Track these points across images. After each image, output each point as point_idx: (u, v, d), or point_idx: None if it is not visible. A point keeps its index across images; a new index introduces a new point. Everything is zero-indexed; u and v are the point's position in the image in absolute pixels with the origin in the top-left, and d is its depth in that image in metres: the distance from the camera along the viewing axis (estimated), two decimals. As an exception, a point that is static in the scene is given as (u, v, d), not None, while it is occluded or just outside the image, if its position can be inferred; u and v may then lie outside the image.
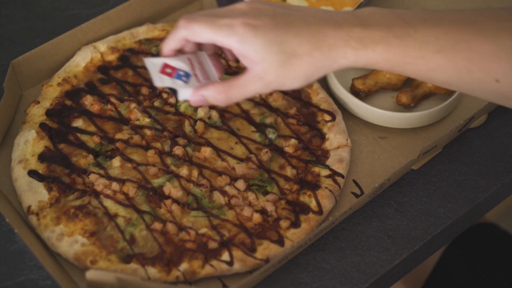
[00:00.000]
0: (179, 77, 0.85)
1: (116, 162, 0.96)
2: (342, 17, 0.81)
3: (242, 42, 0.79)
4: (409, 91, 1.02)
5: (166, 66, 0.85)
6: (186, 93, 0.84)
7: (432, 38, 0.79)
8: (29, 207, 0.91)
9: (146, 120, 1.00)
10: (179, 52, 0.86)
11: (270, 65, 0.80)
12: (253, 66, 0.80)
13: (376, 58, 0.80)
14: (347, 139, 0.99)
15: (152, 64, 0.85)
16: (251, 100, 1.03)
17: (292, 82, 0.81)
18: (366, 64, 0.80)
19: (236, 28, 0.79)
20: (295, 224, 0.91)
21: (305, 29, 0.80)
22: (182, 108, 1.02)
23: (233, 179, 0.95)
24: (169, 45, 0.84)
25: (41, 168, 0.95)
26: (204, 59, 0.87)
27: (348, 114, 1.04)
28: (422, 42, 0.79)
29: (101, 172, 0.95)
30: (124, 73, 1.05)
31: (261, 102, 1.03)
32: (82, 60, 1.05)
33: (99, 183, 0.93)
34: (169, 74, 0.85)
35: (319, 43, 0.79)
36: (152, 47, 1.08)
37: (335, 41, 0.79)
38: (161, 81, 0.84)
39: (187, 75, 0.85)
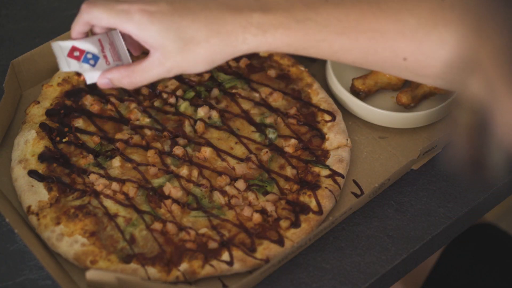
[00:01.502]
0: (86, 60, 0.85)
1: (116, 162, 0.96)
2: (244, 2, 0.80)
3: (139, 29, 0.80)
4: (409, 91, 1.03)
5: (74, 49, 0.85)
6: (93, 77, 0.86)
7: (333, 20, 0.79)
8: (29, 207, 0.91)
9: (146, 120, 1.00)
10: (90, 33, 0.87)
11: (169, 51, 0.80)
12: (153, 52, 0.81)
13: (277, 43, 0.80)
14: (347, 139, 0.99)
15: (60, 48, 0.86)
16: (251, 100, 1.03)
17: (194, 67, 0.82)
18: (269, 48, 0.81)
19: (132, 15, 0.80)
20: (295, 224, 0.91)
21: (203, 14, 0.80)
22: (182, 108, 1.02)
23: (233, 179, 0.95)
24: (75, 29, 0.85)
25: (41, 168, 0.95)
26: (117, 38, 0.88)
27: (348, 114, 1.04)
28: (323, 25, 0.79)
29: (101, 172, 0.95)
30: (124, 73, 1.05)
31: (261, 102, 1.03)
32: (82, 60, 1.05)
33: (99, 183, 0.93)
34: (76, 58, 0.85)
35: (217, 29, 0.80)
36: (152, 47, 1.08)
37: (234, 27, 0.80)
38: (67, 65, 0.85)
39: (95, 57, 0.86)
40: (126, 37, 0.88)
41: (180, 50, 0.80)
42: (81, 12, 0.83)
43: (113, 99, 1.02)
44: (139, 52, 0.90)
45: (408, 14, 0.77)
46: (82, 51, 0.85)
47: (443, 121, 1.03)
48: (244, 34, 0.80)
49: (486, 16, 0.55)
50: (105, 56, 0.86)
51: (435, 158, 1.00)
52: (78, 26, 0.85)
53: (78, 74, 1.04)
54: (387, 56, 0.80)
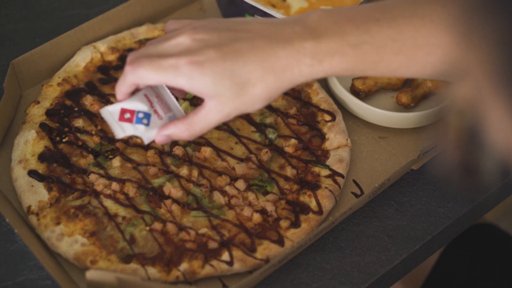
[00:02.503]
0: (139, 121, 0.83)
1: (116, 162, 0.96)
2: (291, 31, 0.78)
3: (191, 82, 0.78)
4: (409, 91, 1.03)
5: (124, 111, 0.83)
6: (149, 136, 0.84)
7: (388, 40, 0.77)
8: (29, 207, 0.91)
9: (146, 120, 1.00)
10: (134, 91, 0.84)
11: (225, 98, 0.78)
12: (209, 100, 0.79)
13: (333, 70, 0.78)
14: (347, 139, 0.99)
15: (109, 113, 0.84)
16: (251, 100, 1.03)
17: (252, 106, 0.80)
18: (325, 75, 0.79)
19: (181, 69, 0.77)
20: (295, 224, 0.91)
21: (254, 54, 0.77)
22: (182, 108, 1.02)
23: (233, 179, 0.95)
24: (121, 90, 0.83)
25: (41, 168, 0.95)
26: (162, 89, 0.85)
27: (348, 114, 1.04)
28: (379, 46, 0.77)
29: (101, 172, 0.95)
30: (124, 73, 1.05)
31: (261, 102, 1.03)
32: (82, 60, 1.05)
33: (99, 183, 0.93)
34: (128, 120, 0.83)
35: (271, 67, 0.77)
36: (152, 47, 1.08)
37: (288, 62, 0.77)
38: (122, 131, 0.83)
39: (147, 115, 0.84)
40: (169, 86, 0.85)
41: (237, 94, 0.78)
42: (126, 73, 0.80)
43: (113, 99, 1.02)
44: (184, 95, 0.87)
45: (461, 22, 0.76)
46: (132, 112, 0.83)
47: (437, 124, 1.03)
48: (299, 66, 0.77)
49: (475, 26, 0.55)
50: (155, 111, 0.84)
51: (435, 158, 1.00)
52: (124, 88, 0.82)
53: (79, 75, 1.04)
54: (445, 69, 0.77)
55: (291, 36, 0.78)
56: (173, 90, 0.86)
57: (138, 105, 0.84)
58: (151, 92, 0.85)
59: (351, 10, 0.79)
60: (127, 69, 0.80)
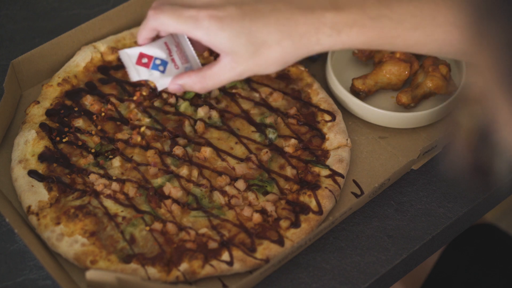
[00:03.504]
0: (155, 67, 0.85)
1: (116, 162, 0.96)
2: (314, 0, 0.79)
3: (208, 35, 0.78)
4: (409, 91, 1.02)
5: (142, 55, 0.85)
6: (163, 83, 0.85)
7: (408, 16, 0.77)
8: (29, 207, 0.91)
9: (146, 120, 1.00)
10: (155, 37, 0.86)
11: (240, 56, 0.79)
12: (224, 56, 0.80)
13: (351, 42, 0.79)
14: (347, 139, 0.99)
15: (128, 56, 0.85)
16: (251, 100, 1.03)
17: (265, 69, 0.81)
18: (342, 47, 0.80)
19: (201, 21, 0.78)
20: (295, 224, 0.91)
21: (274, 17, 0.78)
22: (182, 108, 1.02)
23: (233, 179, 0.95)
24: (142, 35, 0.84)
25: (41, 168, 0.95)
26: (183, 39, 0.86)
27: (348, 114, 1.04)
28: (398, 21, 0.77)
29: (101, 172, 0.95)
30: (124, 73, 1.05)
31: (261, 102, 1.03)
32: (82, 60, 1.05)
33: (99, 183, 0.93)
34: (145, 65, 0.85)
35: (289, 32, 0.78)
36: (152, 47, 1.08)
37: (307, 29, 0.78)
38: (137, 74, 0.84)
39: (164, 62, 0.85)
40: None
41: (252, 54, 0.79)
42: (148, 18, 0.82)
43: (113, 99, 1.02)
44: (204, 51, 0.88)
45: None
46: (150, 57, 0.84)
47: (443, 121, 1.03)
48: (317, 35, 0.78)
49: (484, 25, 0.55)
50: (173, 60, 0.85)
51: (435, 158, 1.00)
52: (145, 32, 0.83)
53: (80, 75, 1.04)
54: (463, 48, 0.77)
55: (312, 4, 0.78)
56: (193, 44, 0.86)
57: (156, 51, 0.85)
58: (171, 41, 0.86)
59: None
60: (150, 13, 0.82)
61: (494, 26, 0.54)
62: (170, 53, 0.85)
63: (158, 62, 0.85)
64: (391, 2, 0.78)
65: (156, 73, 0.84)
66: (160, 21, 0.81)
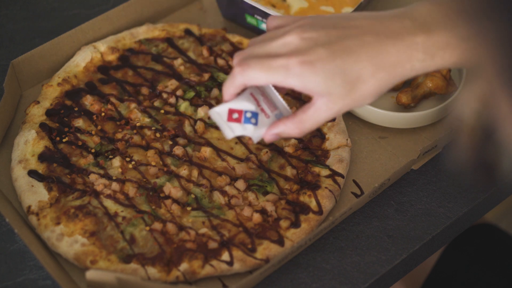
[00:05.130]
0: (247, 120, 0.83)
1: (116, 162, 0.96)
2: (400, 25, 0.77)
3: (302, 81, 0.77)
4: (409, 91, 1.03)
5: (231, 111, 0.83)
6: (258, 135, 0.84)
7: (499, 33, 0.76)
8: (29, 207, 0.91)
9: (146, 120, 1.00)
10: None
11: (336, 96, 0.78)
12: (318, 98, 0.79)
13: (445, 64, 0.77)
14: (347, 139, 0.99)
15: (218, 115, 0.84)
16: (251, 100, 1.03)
17: (362, 102, 0.79)
18: (436, 69, 0.78)
19: (292, 69, 0.77)
20: (295, 224, 0.91)
21: (364, 51, 0.77)
22: (182, 108, 1.02)
23: (233, 179, 0.95)
24: (229, 91, 0.82)
25: (41, 168, 0.95)
26: (267, 87, 0.85)
27: (348, 114, 1.04)
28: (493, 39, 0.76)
29: (101, 172, 0.95)
30: (124, 73, 1.05)
31: (261, 102, 1.03)
32: (82, 60, 1.05)
33: (99, 183, 0.93)
34: (237, 120, 0.83)
35: (382, 64, 0.77)
36: (152, 47, 1.08)
37: (399, 58, 0.76)
38: (231, 131, 0.83)
39: (254, 114, 0.84)
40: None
41: (348, 92, 0.77)
42: (235, 75, 0.80)
43: (113, 99, 1.02)
44: (286, 92, 0.86)
45: None
46: (240, 112, 0.83)
47: (443, 121, 1.03)
48: (411, 62, 0.76)
49: (486, 24, 0.55)
50: (262, 110, 0.84)
51: (435, 158, 1.00)
52: (233, 89, 0.81)
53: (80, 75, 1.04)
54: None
55: (400, 31, 0.77)
56: (276, 88, 0.85)
57: (245, 104, 0.84)
58: (256, 91, 0.85)
59: (459, 1, 0.77)
60: (237, 70, 0.80)
61: (492, 23, 0.54)
62: (258, 104, 0.84)
63: (248, 115, 0.83)
64: (482, 21, 0.77)
65: (249, 127, 0.83)
66: (249, 77, 0.79)
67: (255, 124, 0.84)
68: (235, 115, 0.83)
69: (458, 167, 0.64)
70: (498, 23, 0.54)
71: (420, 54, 0.76)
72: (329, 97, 0.78)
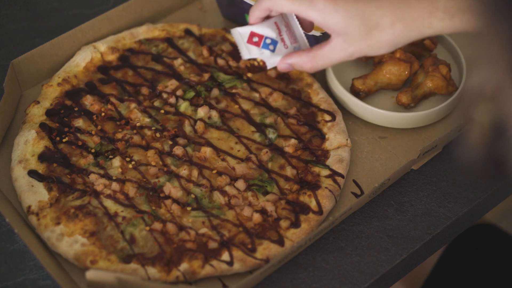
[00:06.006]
0: (265, 46, 0.87)
1: (116, 162, 0.96)
2: None
3: (323, 16, 0.81)
4: (409, 91, 1.03)
5: (253, 34, 0.88)
6: (273, 62, 0.88)
7: None
8: (29, 207, 0.91)
9: (146, 120, 1.00)
10: (265, 18, 0.88)
11: (352, 37, 0.81)
12: (335, 37, 0.82)
13: (463, 27, 0.79)
14: (347, 139, 0.99)
15: (239, 34, 0.88)
16: (251, 100, 1.03)
17: (376, 51, 0.82)
18: (453, 31, 0.80)
19: (316, 2, 0.80)
20: (295, 224, 0.91)
21: (387, 0, 0.80)
22: (182, 108, 1.02)
23: (233, 179, 0.95)
24: (254, 14, 0.86)
25: (41, 168, 0.95)
26: (292, 19, 0.89)
27: (348, 114, 1.04)
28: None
29: (101, 172, 0.95)
30: (124, 73, 1.05)
31: (261, 102, 1.03)
32: (82, 60, 1.05)
33: (99, 183, 0.93)
34: (256, 43, 0.87)
35: (402, 15, 0.79)
36: (152, 47, 1.08)
37: (419, 12, 0.79)
38: (248, 52, 0.87)
39: (274, 42, 0.87)
40: (298, 17, 0.88)
41: (364, 36, 0.80)
42: None
43: (113, 99, 1.02)
44: (311, 30, 0.90)
45: None
46: (260, 36, 0.87)
47: (443, 121, 1.03)
48: (430, 19, 0.79)
49: (495, 15, 0.55)
50: (282, 39, 0.88)
51: (435, 158, 1.00)
52: (258, 12, 0.86)
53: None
54: None
55: None
56: (301, 23, 0.88)
57: (267, 31, 0.88)
58: (281, 21, 0.88)
59: None
60: None
61: (503, 19, 0.54)
62: (279, 33, 0.88)
63: (268, 41, 0.88)
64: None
65: (266, 52, 0.87)
66: (274, 2, 0.83)
67: (273, 51, 0.88)
68: (255, 39, 0.87)
69: (468, 161, 0.65)
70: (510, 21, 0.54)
71: (440, 12, 0.78)
72: (346, 37, 0.81)
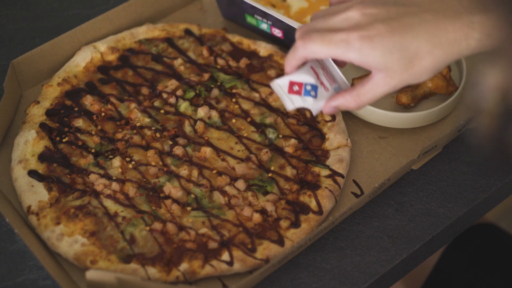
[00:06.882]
0: (307, 93, 0.86)
1: (116, 162, 0.96)
2: (459, 4, 0.79)
3: (361, 56, 0.80)
4: (409, 91, 1.03)
5: (292, 84, 0.86)
6: (317, 108, 0.87)
7: None
8: (29, 207, 0.91)
9: (146, 120, 1.00)
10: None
11: (394, 71, 0.80)
12: (376, 73, 0.81)
13: (501, 42, 0.78)
14: (347, 139, 0.99)
15: (279, 87, 0.87)
16: (251, 100, 1.03)
17: (419, 79, 0.82)
18: (492, 48, 0.80)
19: (352, 43, 0.80)
20: (295, 224, 0.91)
21: (423, 28, 0.79)
22: (182, 108, 1.02)
23: (233, 179, 0.95)
24: (291, 64, 0.85)
25: (41, 168, 0.95)
26: (327, 61, 0.88)
27: (348, 114, 1.04)
28: None
29: (101, 172, 0.95)
30: (124, 73, 1.05)
31: (261, 102, 1.03)
32: (82, 60, 1.05)
33: (99, 183, 0.93)
34: (297, 92, 0.86)
35: (439, 41, 0.79)
36: (152, 47, 1.08)
37: (456, 36, 0.79)
38: (291, 103, 0.86)
39: (314, 87, 0.87)
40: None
41: (405, 67, 0.80)
42: (297, 48, 0.83)
43: (113, 99, 1.02)
44: (344, 65, 0.89)
45: None
46: (300, 84, 0.86)
47: (443, 121, 1.03)
48: (467, 40, 0.79)
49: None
50: (322, 83, 0.87)
51: (435, 158, 1.00)
52: (294, 62, 0.85)
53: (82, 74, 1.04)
54: None
55: (459, 10, 0.79)
56: (335, 62, 0.88)
57: (305, 77, 0.87)
58: (316, 64, 0.88)
59: None
60: (299, 43, 0.83)
61: None
62: (318, 77, 0.87)
63: (308, 88, 0.87)
64: None
65: (309, 99, 0.86)
66: (310, 50, 0.82)
67: (315, 96, 0.87)
68: (296, 88, 0.87)
69: (480, 152, 0.65)
70: None
71: (477, 33, 0.78)
72: (387, 72, 0.81)
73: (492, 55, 0.64)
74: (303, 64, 0.87)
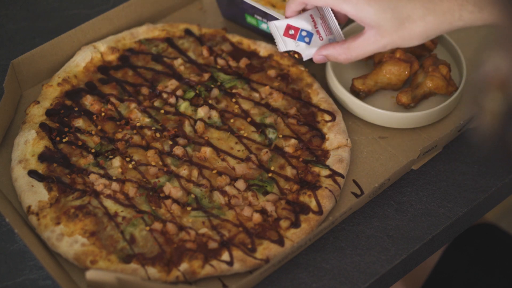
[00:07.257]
0: (301, 38, 0.90)
1: (116, 162, 0.96)
2: None
3: (356, 9, 0.84)
4: (409, 91, 1.03)
5: (289, 27, 0.91)
6: (309, 54, 0.91)
7: None
8: (29, 207, 0.91)
9: (146, 120, 1.00)
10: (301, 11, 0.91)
11: (385, 30, 0.84)
12: (368, 29, 0.85)
13: (492, 19, 0.81)
14: (347, 139, 0.99)
15: (276, 28, 0.91)
16: (251, 100, 1.03)
17: (408, 42, 0.85)
18: (483, 24, 0.82)
19: None
20: (295, 224, 0.91)
21: None
22: (182, 108, 1.02)
23: (233, 179, 0.95)
24: (290, 8, 0.90)
25: (41, 168, 0.95)
26: (327, 12, 0.91)
27: (348, 114, 1.04)
28: None
29: (101, 172, 0.95)
30: (124, 73, 1.05)
31: (261, 102, 1.03)
32: (82, 60, 1.05)
33: (99, 183, 0.93)
34: (292, 36, 0.90)
35: (433, 8, 0.82)
36: (152, 47, 1.08)
37: (450, 5, 0.81)
38: (284, 45, 0.90)
39: (309, 34, 0.91)
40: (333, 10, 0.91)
41: (396, 28, 0.83)
42: None
43: (113, 99, 1.02)
44: (344, 21, 0.93)
45: None
46: (296, 29, 0.90)
47: (443, 121, 1.03)
48: (460, 11, 0.81)
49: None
50: (318, 32, 0.91)
51: (435, 158, 1.00)
52: (294, 5, 0.89)
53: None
54: None
55: None
56: (336, 15, 0.92)
57: (303, 23, 0.91)
58: (316, 14, 0.92)
59: None
60: None
61: None
62: (315, 25, 0.91)
63: (304, 33, 0.91)
64: None
65: (302, 44, 0.91)
66: None
67: (308, 43, 0.91)
68: (291, 32, 0.91)
69: (482, 151, 0.66)
70: None
71: (470, 5, 0.81)
72: (378, 30, 0.84)
73: (492, 43, 0.65)
74: (304, 11, 0.91)
